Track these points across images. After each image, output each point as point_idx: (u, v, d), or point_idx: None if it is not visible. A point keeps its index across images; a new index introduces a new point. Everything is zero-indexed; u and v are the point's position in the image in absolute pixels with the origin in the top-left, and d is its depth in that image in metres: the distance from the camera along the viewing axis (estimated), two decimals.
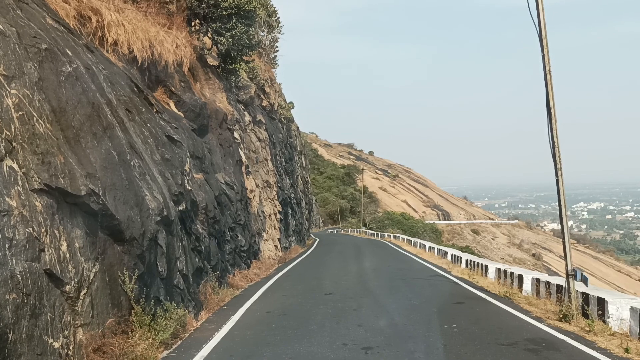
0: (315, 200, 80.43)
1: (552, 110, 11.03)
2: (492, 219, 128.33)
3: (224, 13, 17.55)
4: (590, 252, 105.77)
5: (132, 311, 8.11)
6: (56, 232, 6.50)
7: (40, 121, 6.70)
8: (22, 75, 6.67)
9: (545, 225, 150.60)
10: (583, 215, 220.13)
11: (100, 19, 11.13)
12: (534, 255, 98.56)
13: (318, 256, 29.82)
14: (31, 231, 5.93)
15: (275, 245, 26.24)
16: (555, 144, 10.97)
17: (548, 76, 11.05)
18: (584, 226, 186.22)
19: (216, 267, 14.04)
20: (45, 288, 6.08)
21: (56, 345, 6.09)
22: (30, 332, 5.65)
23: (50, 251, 6.27)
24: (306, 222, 49.85)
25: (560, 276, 14.85)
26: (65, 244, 6.63)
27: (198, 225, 12.90)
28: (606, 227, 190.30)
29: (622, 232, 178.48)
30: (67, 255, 6.63)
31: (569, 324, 10.12)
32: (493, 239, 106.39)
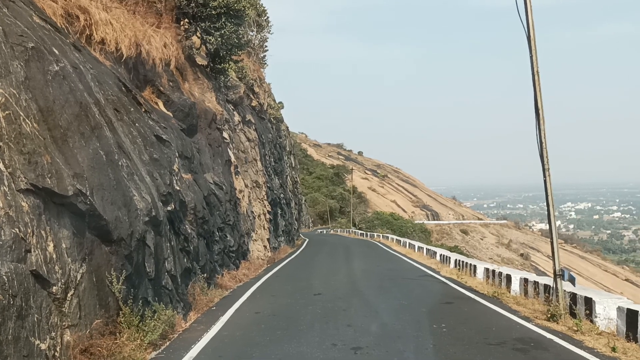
0: (305, 201, 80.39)
1: (540, 112, 11.09)
2: (481, 219, 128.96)
3: (213, 12, 17.49)
4: (578, 252, 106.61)
5: (120, 312, 8.06)
6: (43, 232, 6.43)
7: (27, 121, 6.63)
8: (9, 74, 6.60)
9: (533, 225, 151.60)
10: (571, 215, 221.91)
11: (87, 18, 11.05)
12: (522, 255, 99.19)
13: (307, 256, 29.80)
14: (17, 232, 5.87)
15: (264, 246, 26.19)
16: (543, 145, 11.03)
17: (536, 77, 11.12)
18: (571, 226, 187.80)
19: (205, 268, 13.98)
20: (32, 289, 6.01)
21: (43, 346, 6.02)
22: (17, 333, 5.58)
23: (37, 252, 6.20)
24: (295, 223, 49.79)
25: (548, 276, 14.94)
26: (52, 245, 6.56)
27: (187, 226, 12.84)
28: (593, 227, 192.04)
29: (609, 232, 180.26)
30: (54, 256, 6.56)
31: (557, 323, 10.18)
32: (482, 239, 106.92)
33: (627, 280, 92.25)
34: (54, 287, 6.46)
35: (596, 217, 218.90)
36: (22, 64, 6.95)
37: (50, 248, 6.53)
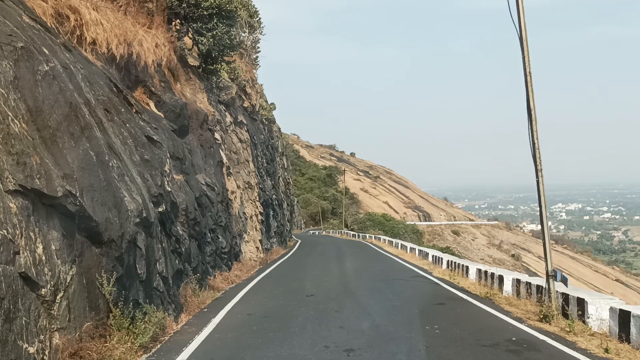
0: (297, 202, 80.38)
1: (532, 112, 11.10)
2: (472, 220, 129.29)
3: (205, 13, 17.42)
4: (569, 253, 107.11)
5: (110, 314, 7.97)
6: (32, 234, 6.35)
7: (15, 121, 6.55)
8: None
9: (524, 226, 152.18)
10: (561, 216, 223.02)
11: (78, 18, 10.96)
12: (513, 255, 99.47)
13: (300, 257, 29.74)
14: (5, 233, 5.78)
15: (256, 247, 26.11)
16: (536, 145, 11.04)
17: (528, 78, 11.12)
18: (562, 227, 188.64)
19: (197, 269, 13.90)
20: (20, 291, 5.93)
21: (31, 350, 5.94)
22: (4, 337, 5.50)
23: (26, 254, 6.12)
24: (288, 224, 49.73)
25: (540, 276, 14.96)
26: (41, 247, 6.48)
27: (178, 227, 12.76)
28: (584, 227, 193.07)
29: (599, 232, 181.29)
30: (43, 258, 6.48)
31: (550, 324, 10.18)
32: (473, 240, 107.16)
33: (617, 280, 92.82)
34: (43, 290, 6.37)
35: (586, 218, 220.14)
36: (11, 63, 6.86)
37: (40, 250, 6.45)
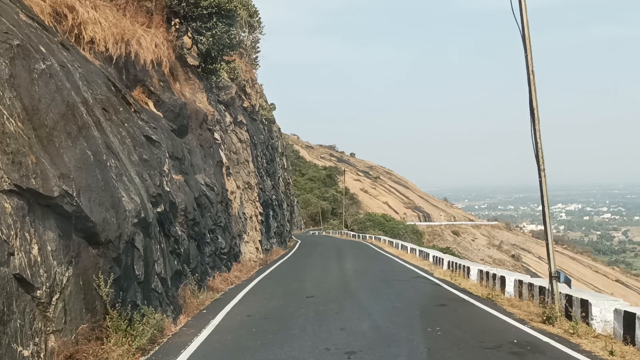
0: (297, 202, 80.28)
1: (535, 111, 10.97)
2: (472, 220, 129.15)
3: (204, 12, 17.30)
4: (569, 253, 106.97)
5: (107, 316, 7.85)
6: (27, 235, 6.23)
7: (11, 120, 6.43)
8: None
9: (524, 226, 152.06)
10: (561, 216, 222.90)
11: (76, 16, 10.86)
12: (513, 256, 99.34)
13: (300, 258, 29.63)
14: (0, 234, 5.67)
15: (256, 247, 25.99)
16: (539, 145, 10.92)
17: (531, 77, 11.00)
18: (562, 227, 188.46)
19: (196, 270, 13.78)
20: (15, 293, 5.81)
21: (26, 353, 5.82)
22: None
23: (20, 255, 6.00)
24: (288, 224, 49.63)
25: (541, 277, 14.83)
26: (36, 248, 6.36)
27: (177, 227, 12.64)
28: (584, 228, 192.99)
29: (599, 233, 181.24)
30: (39, 259, 6.36)
31: (553, 326, 10.06)
32: (473, 240, 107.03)
33: (617, 281, 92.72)
34: (38, 291, 6.26)
35: (586, 218, 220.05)
36: (6, 61, 6.75)
37: (35, 251, 6.33)
